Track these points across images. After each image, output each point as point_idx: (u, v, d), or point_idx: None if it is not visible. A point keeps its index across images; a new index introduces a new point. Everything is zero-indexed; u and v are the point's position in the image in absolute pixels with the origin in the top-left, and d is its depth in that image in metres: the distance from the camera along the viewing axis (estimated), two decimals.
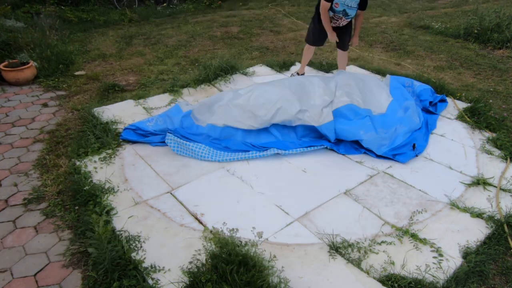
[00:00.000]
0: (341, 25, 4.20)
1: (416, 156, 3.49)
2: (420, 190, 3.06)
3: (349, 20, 4.19)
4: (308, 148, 3.54)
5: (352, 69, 5.50)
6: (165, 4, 9.75)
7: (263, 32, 7.45)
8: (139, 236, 2.58)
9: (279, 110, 3.56)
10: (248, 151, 3.48)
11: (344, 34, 4.38)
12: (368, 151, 3.53)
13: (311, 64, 5.68)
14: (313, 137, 3.67)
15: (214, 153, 3.45)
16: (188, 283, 2.21)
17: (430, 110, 4.18)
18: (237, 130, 3.61)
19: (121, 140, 3.66)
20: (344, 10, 3.90)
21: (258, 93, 3.72)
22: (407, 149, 3.53)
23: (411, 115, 3.79)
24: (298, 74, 5.03)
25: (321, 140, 3.62)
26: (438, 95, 4.42)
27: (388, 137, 3.54)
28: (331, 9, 3.97)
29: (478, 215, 2.78)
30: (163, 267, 2.35)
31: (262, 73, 5.35)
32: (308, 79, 3.98)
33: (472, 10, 7.73)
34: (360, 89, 3.83)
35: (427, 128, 3.87)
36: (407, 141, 3.58)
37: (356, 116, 3.57)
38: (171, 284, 2.23)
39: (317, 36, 4.47)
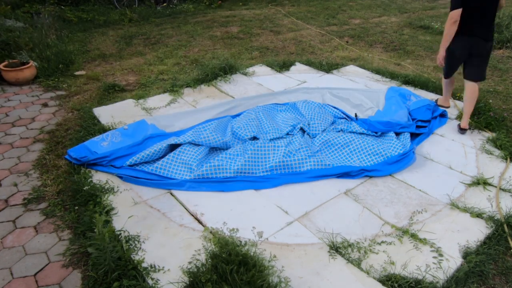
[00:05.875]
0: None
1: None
2: (420, 190, 3.06)
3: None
4: None
5: (352, 69, 5.51)
6: (165, 4, 9.75)
7: (263, 32, 7.45)
8: (138, 236, 2.58)
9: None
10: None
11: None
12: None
13: (310, 63, 5.69)
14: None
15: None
16: (188, 283, 2.21)
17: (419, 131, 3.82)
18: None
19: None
20: None
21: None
22: None
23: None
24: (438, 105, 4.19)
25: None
26: (439, 107, 4.16)
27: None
28: None
29: (478, 215, 2.78)
30: (163, 267, 2.35)
31: (262, 73, 5.34)
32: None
33: None
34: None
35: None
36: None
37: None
38: (171, 284, 2.23)
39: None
